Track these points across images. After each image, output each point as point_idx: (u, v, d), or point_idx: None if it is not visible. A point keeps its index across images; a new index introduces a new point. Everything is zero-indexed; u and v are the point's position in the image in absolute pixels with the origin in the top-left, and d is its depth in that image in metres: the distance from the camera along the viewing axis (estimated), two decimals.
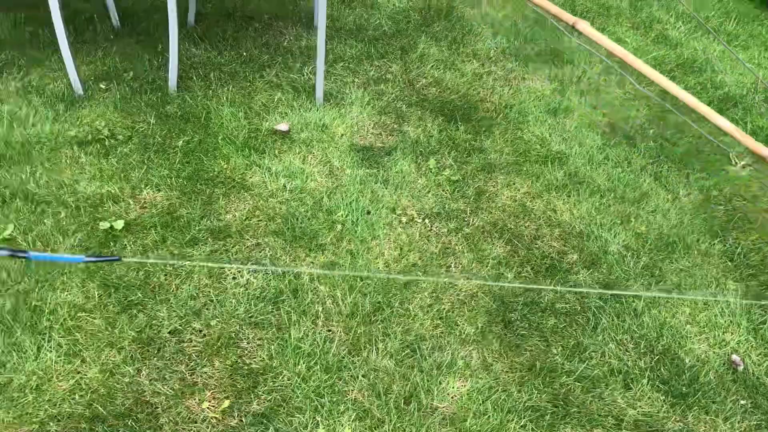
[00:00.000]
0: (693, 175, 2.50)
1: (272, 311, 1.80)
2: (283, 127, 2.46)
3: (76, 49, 2.68)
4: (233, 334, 1.73)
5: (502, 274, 2.00)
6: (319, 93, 2.61)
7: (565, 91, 2.86)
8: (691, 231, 2.24)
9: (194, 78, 2.66)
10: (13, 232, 1.92)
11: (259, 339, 1.73)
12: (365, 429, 1.57)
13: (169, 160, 2.25)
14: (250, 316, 1.78)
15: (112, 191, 2.11)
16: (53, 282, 1.79)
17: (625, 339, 1.85)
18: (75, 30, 2.81)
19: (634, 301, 1.95)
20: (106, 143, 2.29)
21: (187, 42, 2.86)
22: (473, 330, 1.82)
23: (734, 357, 1.84)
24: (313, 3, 3.10)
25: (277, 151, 2.36)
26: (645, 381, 1.75)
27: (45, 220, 1.98)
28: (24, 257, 1.21)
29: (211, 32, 2.95)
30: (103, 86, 2.55)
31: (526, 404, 1.66)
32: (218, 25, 3.02)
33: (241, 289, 1.85)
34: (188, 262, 1.89)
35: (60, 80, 2.54)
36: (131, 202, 2.08)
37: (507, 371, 1.74)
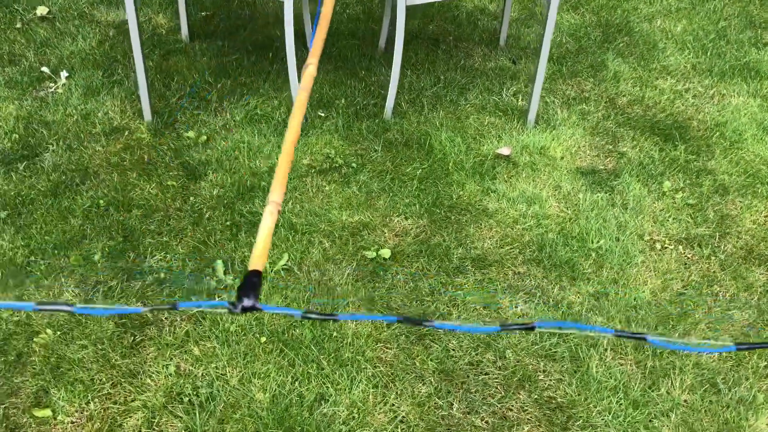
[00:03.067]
0: None
1: (558, 343, 1.81)
2: (505, 151, 2.47)
3: (280, 76, 2.76)
4: (529, 366, 1.75)
5: None
6: (532, 115, 2.61)
7: None
8: None
9: (402, 103, 2.70)
10: (288, 261, 1.99)
11: (557, 372, 1.74)
12: None
13: (407, 188, 2.29)
14: (540, 347, 1.79)
15: (364, 219, 2.16)
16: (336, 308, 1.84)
17: None
18: (273, 56, 2.89)
19: None
20: (343, 171, 2.35)
21: (383, 67, 2.90)
22: (764, 363, 1.79)
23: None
24: (502, 22, 3.11)
25: (506, 176, 2.37)
26: None
27: (312, 250, 2.03)
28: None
29: (403, 57, 2.99)
30: (321, 114, 2.62)
31: None
32: (407, 49, 3.05)
33: (521, 319, 1.87)
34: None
35: (282, 107, 2.62)
36: (385, 231, 2.13)
37: None
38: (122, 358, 1.71)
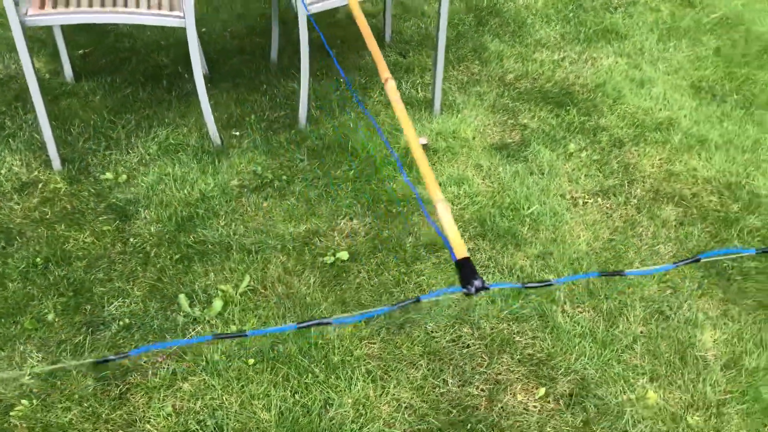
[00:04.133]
0: None
1: (523, 305, 1.95)
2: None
3: (181, 102, 2.72)
4: (504, 331, 1.88)
5: (690, 232, 2.22)
6: (437, 104, 2.75)
7: (637, 63, 3.11)
8: None
9: (312, 110, 2.75)
10: (251, 282, 2.00)
11: (530, 330, 1.88)
12: (661, 387, 1.76)
13: (344, 190, 2.35)
14: (509, 313, 1.93)
15: (311, 227, 2.20)
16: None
17: None
18: (169, 84, 2.84)
19: None
20: (275, 185, 2.37)
21: (281, 78, 2.93)
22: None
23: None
24: (384, 20, 3.22)
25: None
26: None
27: (270, 266, 2.05)
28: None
29: (295, 65, 3.03)
30: (236, 133, 2.61)
31: None
32: (297, 56, 3.09)
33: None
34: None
35: (193, 133, 2.58)
36: (335, 234, 2.18)
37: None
38: (113, 410, 1.66)
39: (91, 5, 2.29)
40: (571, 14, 3.48)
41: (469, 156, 2.54)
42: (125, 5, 2.32)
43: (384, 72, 0.96)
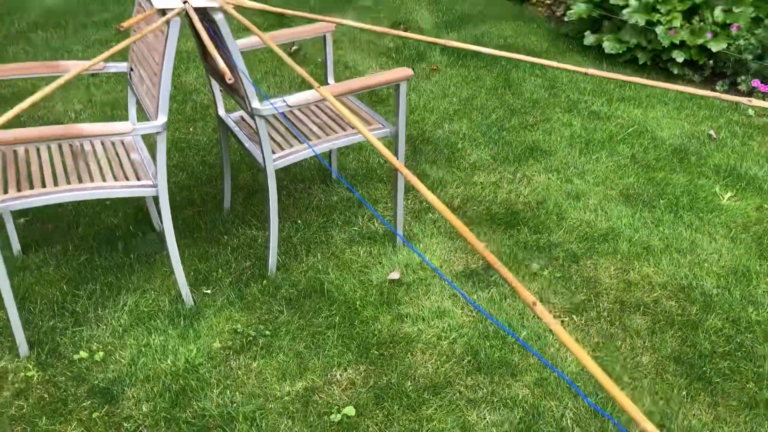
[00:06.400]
0: None
1: None
2: (395, 275, 2.66)
3: (142, 264, 2.67)
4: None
5: (664, 339, 2.37)
6: (399, 237, 2.85)
7: (567, 177, 3.36)
8: None
9: (279, 256, 2.76)
10: None
11: None
12: None
13: (330, 338, 2.35)
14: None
15: (307, 384, 2.18)
16: None
17: None
18: (125, 245, 2.78)
19: None
20: (260, 342, 2.34)
21: (239, 227, 2.94)
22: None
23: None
24: (330, 155, 3.33)
25: (407, 298, 2.55)
26: None
27: None
28: None
29: (250, 211, 3.06)
30: (207, 291, 2.57)
31: None
32: (251, 203, 3.13)
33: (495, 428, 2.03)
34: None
35: (162, 296, 2.52)
36: (334, 388, 2.17)
37: None
38: None
39: (56, 184, 2.24)
40: (495, 136, 3.74)
41: (442, 286, 2.62)
42: (91, 179, 2.29)
43: (528, 297, 1.02)
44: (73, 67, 2.55)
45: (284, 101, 2.37)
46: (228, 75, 1.67)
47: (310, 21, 2.68)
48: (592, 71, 1.70)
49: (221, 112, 2.82)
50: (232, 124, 2.78)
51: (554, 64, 1.66)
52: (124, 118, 3.73)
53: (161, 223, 2.88)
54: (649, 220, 3.04)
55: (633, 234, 2.93)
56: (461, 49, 4.85)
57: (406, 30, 5.24)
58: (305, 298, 2.55)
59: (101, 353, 2.27)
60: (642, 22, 4.38)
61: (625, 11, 4.45)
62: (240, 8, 2.14)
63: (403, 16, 5.51)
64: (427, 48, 4.91)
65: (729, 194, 3.22)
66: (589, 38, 4.74)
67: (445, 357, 2.29)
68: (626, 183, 3.32)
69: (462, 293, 2.57)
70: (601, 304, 2.55)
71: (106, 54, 1.65)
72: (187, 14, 2.08)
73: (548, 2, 5.67)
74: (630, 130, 3.78)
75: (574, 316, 2.49)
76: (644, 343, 2.37)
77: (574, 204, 3.14)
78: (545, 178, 3.36)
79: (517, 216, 3.06)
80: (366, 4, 5.76)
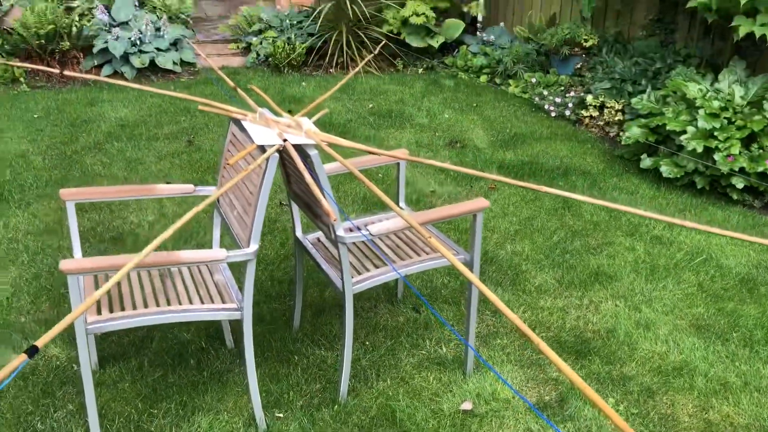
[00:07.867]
0: None
1: None
2: (467, 405, 2.63)
3: (215, 382, 2.68)
4: None
5: None
6: (470, 363, 2.83)
7: (635, 305, 3.34)
8: None
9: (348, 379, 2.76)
10: None
11: None
12: None
13: None
14: None
15: None
16: None
17: None
18: (197, 362, 2.81)
19: None
20: None
21: (309, 346, 2.96)
22: None
23: None
24: (400, 284, 3.37)
25: (484, 431, 2.51)
26: None
27: None
28: None
29: (319, 330, 3.09)
30: (280, 414, 2.56)
31: None
32: (317, 320, 3.16)
33: None
34: None
35: (236, 419, 2.52)
36: None
37: None
38: None
39: (146, 306, 2.31)
40: (559, 258, 3.75)
41: (517, 419, 2.57)
42: (179, 301, 2.36)
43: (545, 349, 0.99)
44: (167, 191, 2.68)
45: (368, 230, 2.45)
46: (333, 217, 1.74)
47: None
48: (715, 230, 1.73)
49: (299, 233, 2.92)
50: (309, 246, 2.86)
51: (677, 221, 1.65)
52: (196, 231, 3.88)
53: (233, 340, 2.93)
54: (724, 354, 2.98)
55: (708, 369, 2.87)
56: (520, 170, 4.96)
57: (461, 147, 5.40)
58: (377, 426, 2.52)
59: None
60: (700, 149, 4.45)
61: (683, 137, 4.54)
62: (333, 145, 2.26)
63: (458, 135, 5.69)
64: (485, 166, 5.04)
65: None
66: (646, 161, 4.82)
67: None
68: (696, 313, 3.27)
69: (549, 422, 2.52)
70: None
71: (220, 191, 1.75)
72: (284, 149, 2.19)
73: (601, 123, 5.81)
74: (697, 259, 3.76)
75: None
76: None
77: (645, 334, 3.10)
78: (613, 305, 3.33)
79: (587, 345, 3.02)
80: (422, 122, 5.98)
